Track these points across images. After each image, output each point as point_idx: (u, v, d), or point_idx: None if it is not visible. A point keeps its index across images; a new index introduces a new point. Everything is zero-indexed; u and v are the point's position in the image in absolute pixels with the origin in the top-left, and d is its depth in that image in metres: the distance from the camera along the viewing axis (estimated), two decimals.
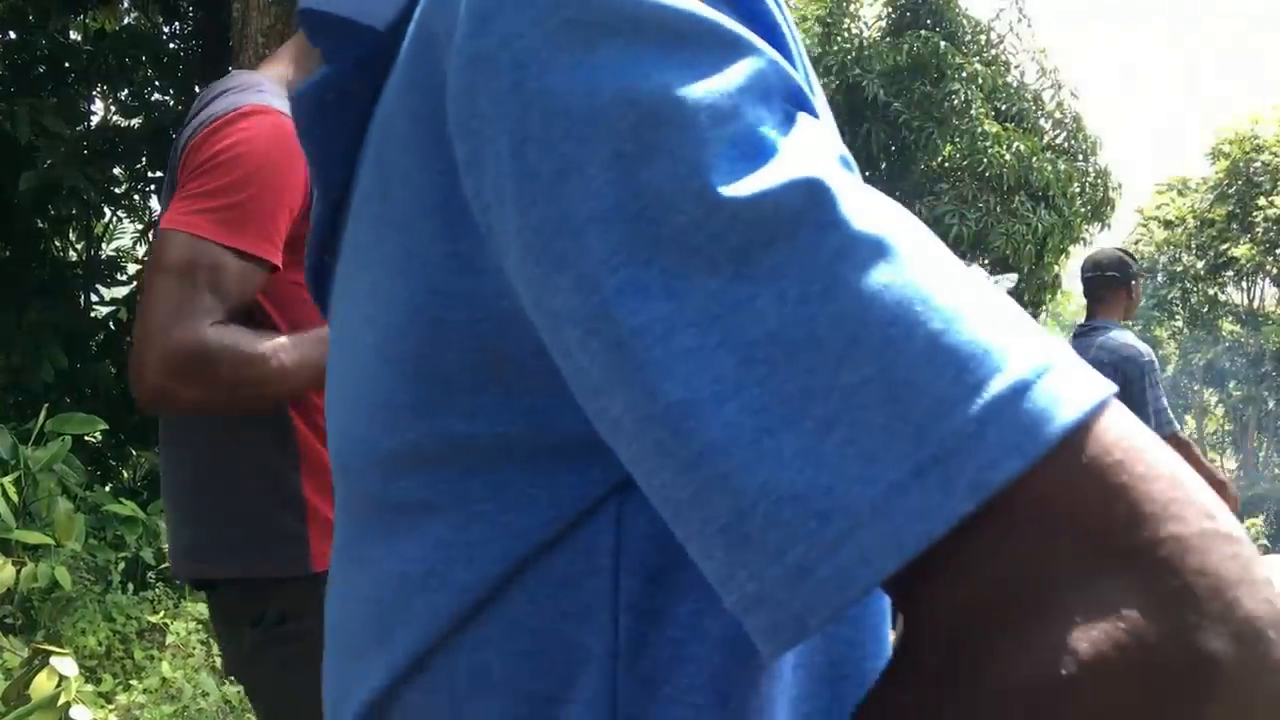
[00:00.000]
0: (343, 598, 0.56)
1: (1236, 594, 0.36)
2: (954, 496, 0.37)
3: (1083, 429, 0.38)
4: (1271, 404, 18.56)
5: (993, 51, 7.92)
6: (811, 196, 0.40)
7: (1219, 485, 3.90)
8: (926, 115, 7.18)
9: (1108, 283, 4.18)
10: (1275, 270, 16.24)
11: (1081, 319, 4.38)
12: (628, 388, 0.40)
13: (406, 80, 0.49)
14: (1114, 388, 0.40)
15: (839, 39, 7.75)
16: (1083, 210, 7.86)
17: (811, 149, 0.42)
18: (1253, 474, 21.99)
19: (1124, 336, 4.10)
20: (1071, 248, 8.14)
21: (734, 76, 0.42)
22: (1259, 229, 15.76)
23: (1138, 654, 0.35)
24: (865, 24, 7.97)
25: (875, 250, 0.40)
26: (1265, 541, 15.22)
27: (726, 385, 0.39)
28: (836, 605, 0.38)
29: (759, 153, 0.41)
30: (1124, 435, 0.38)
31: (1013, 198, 7.24)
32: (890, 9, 7.88)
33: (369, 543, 0.53)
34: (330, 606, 0.57)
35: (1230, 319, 17.02)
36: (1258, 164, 15.59)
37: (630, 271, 0.40)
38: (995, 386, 0.37)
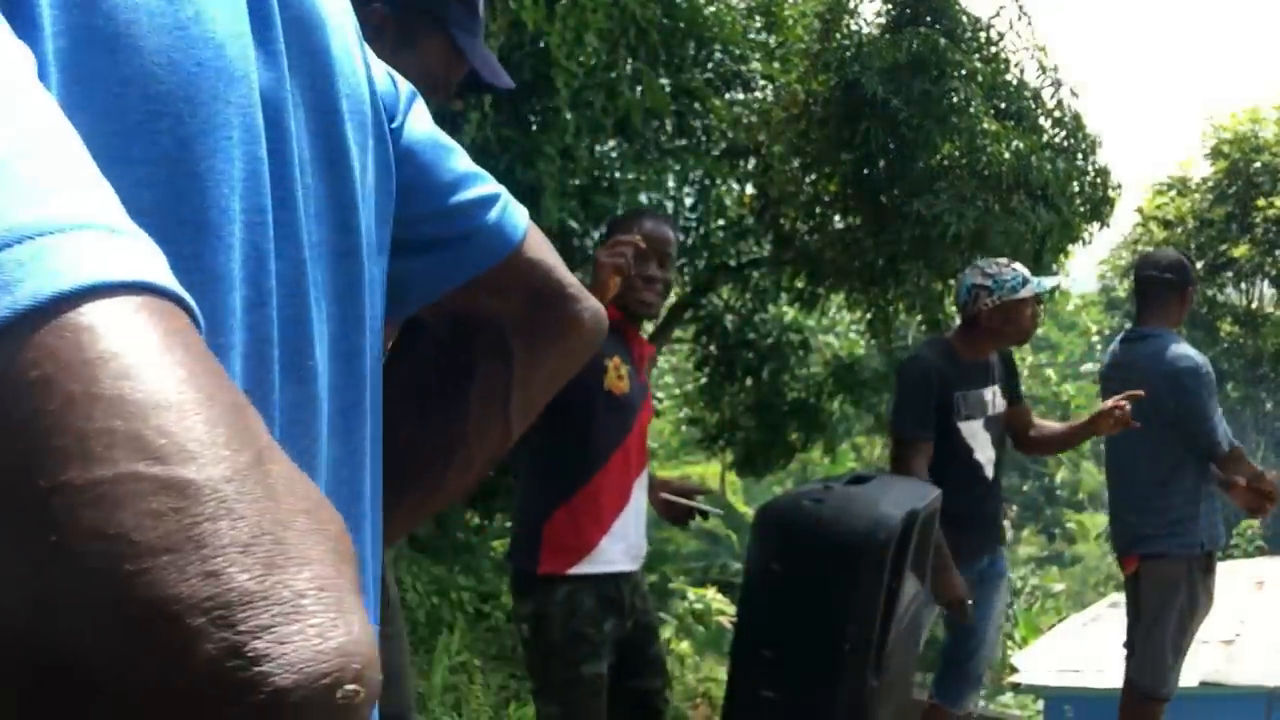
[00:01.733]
0: None
1: (147, 566, 0.26)
2: None
3: (21, 331, 0.29)
4: (1269, 405, 18.55)
5: (993, 49, 7.88)
6: None
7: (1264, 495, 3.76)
8: (925, 113, 7.14)
9: (1164, 286, 3.88)
10: (1274, 271, 16.22)
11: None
12: None
13: None
14: (128, 274, 0.31)
15: (838, 35, 7.71)
16: (1082, 209, 7.81)
17: None
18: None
19: (1182, 348, 3.80)
20: (1070, 247, 8.10)
21: None
22: (1258, 229, 15.73)
23: None
24: (864, 20, 7.94)
25: None
26: (1262, 542, 15.21)
27: None
28: None
29: None
30: (85, 343, 0.29)
31: (1011, 196, 7.20)
32: (889, 5, 7.84)
33: None
34: None
35: (1229, 320, 16.99)
36: (1257, 164, 15.57)
37: None
38: None
